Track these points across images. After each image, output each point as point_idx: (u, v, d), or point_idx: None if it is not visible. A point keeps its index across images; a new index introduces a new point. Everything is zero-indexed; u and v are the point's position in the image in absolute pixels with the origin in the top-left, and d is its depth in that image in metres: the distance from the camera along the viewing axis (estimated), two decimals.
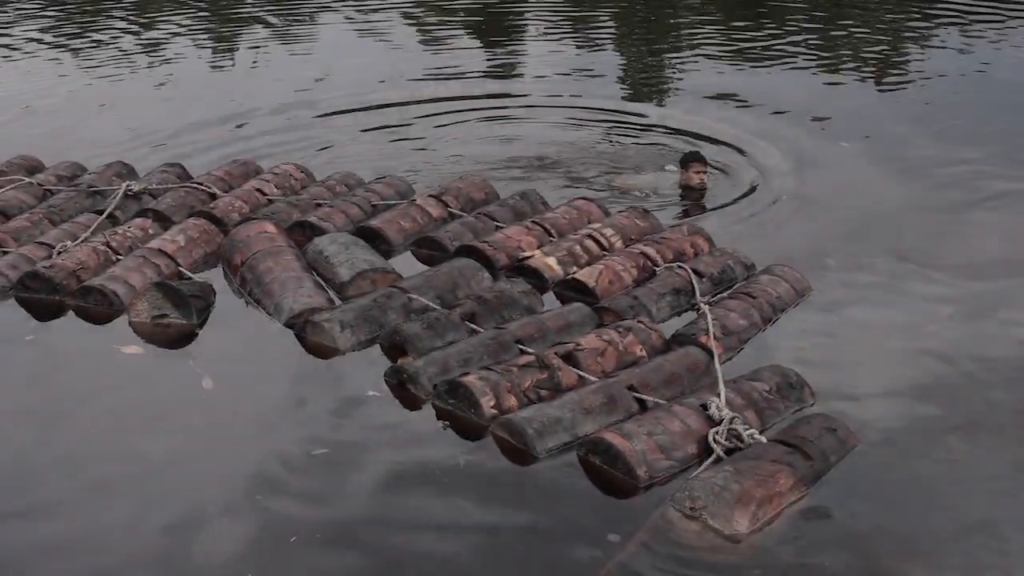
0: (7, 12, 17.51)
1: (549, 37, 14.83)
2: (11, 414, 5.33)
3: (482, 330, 5.66)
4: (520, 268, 6.47)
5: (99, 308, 6.29)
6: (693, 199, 8.08)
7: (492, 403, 4.94)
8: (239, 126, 10.47)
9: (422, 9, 17.05)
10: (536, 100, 11.28)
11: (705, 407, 4.82)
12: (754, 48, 13.32)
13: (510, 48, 14.48)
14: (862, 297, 6.33)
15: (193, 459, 4.90)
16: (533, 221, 6.99)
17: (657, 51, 14.05)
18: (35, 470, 4.86)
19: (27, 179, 8.07)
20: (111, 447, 5.03)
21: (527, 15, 16.27)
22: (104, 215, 7.39)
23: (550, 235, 6.85)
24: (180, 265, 6.70)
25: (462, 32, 15.50)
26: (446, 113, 10.60)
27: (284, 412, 5.28)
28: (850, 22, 14.93)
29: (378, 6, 17.13)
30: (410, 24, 15.93)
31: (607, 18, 16.05)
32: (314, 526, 4.39)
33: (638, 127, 10.16)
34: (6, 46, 14.96)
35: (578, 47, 14.16)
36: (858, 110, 10.42)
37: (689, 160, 8.21)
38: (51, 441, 5.10)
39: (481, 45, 14.59)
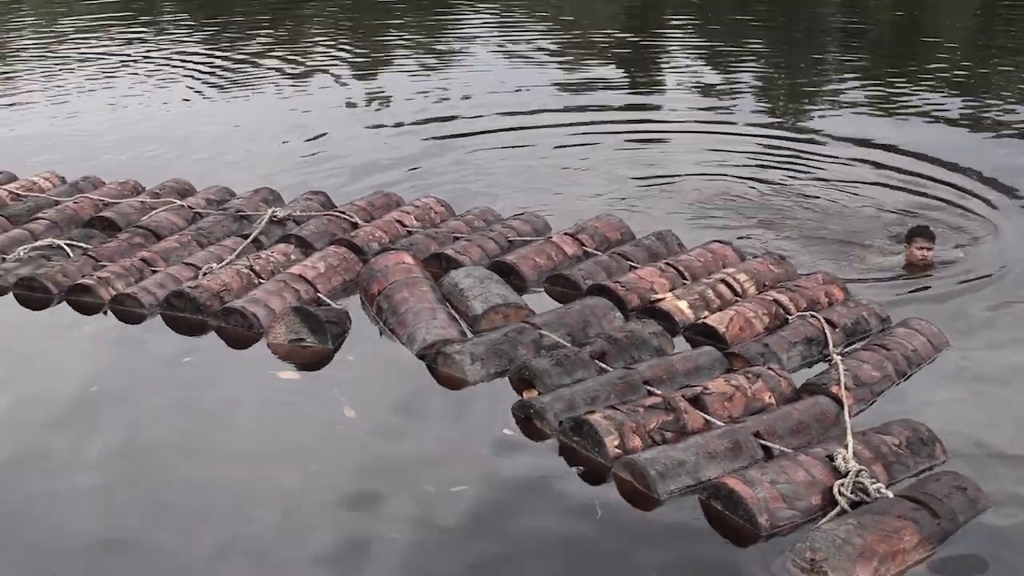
0: (162, 36, 18.15)
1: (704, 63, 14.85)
2: (160, 440, 5.45)
3: (611, 369, 5.68)
4: (651, 310, 6.47)
5: (239, 329, 6.49)
6: (917, 274, 7.40)
7: (616, 442, 4.95)
8: (375, 153, 10.74)
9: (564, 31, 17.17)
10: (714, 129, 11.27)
11: (831, 458, 4.76)
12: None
13: (657, 75, 14.52)
14: (1003, 356, 6.16)
15: (328, 490, 4.95)
16: (667, 263, 6.99)
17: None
18: (172, 490, 5.00)
19: (179, 202, 8.38)
20: (253, 473, 5.12)
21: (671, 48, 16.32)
22: (249, 239, 7.64)
23: (683, 278, 6.84)
24: (319, 291, 6.87)
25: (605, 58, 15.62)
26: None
27: (417, 445, 5.31)
28: None
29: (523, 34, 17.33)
30: (559, 51, 16.10)
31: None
32: (454, 561, 4.44)
33: (841, 176, 9.69)
34: (167, 80, 15.50)
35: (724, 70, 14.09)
36: None
37: (915, 235, 7.51)
38: (193, 461, 5.24)
39: (623, 74, 14.68)
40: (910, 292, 7.13)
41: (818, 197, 9.08)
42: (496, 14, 20.90)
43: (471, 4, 21.98)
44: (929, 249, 7.43)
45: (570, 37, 18.36)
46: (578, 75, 14.92)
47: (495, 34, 18.36)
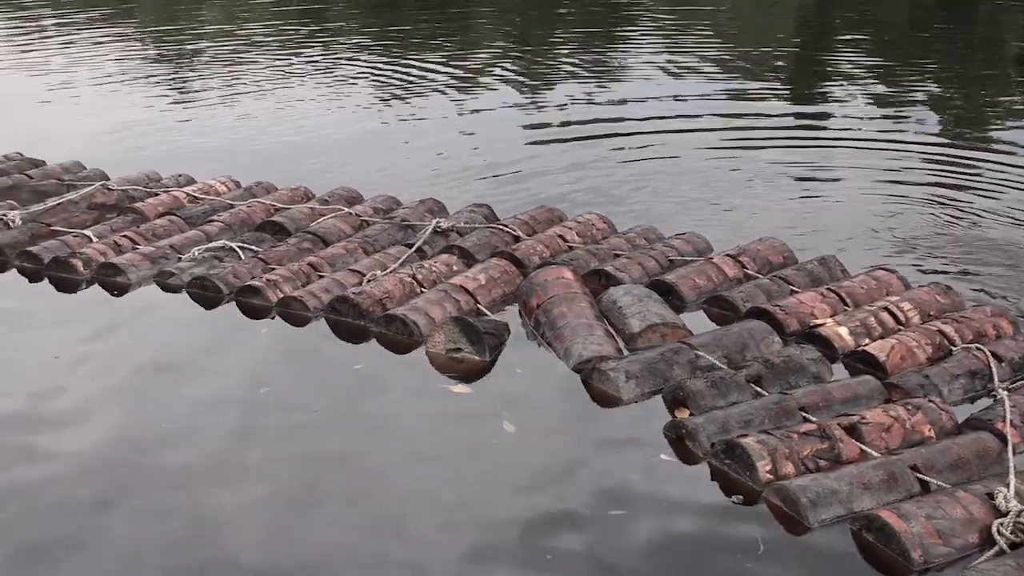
0: (336, 45, 18.60)
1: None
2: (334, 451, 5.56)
3: (766, 394, 5.64)
4: (810, 335, 6.39)
5: (400, 336, 6.62)
6: None
7: (768, 468, 4.91)
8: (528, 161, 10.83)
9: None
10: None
11: (992, 496, 4.63)
12: None
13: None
14: None
15: (485, 506, 4.97)
16: (829, 288, 6.89)
17: None
18: (330, 501, 5.12)
19: (346, 209, 8.62)
20: (406, 484, 5.17)
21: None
22: (413, 248, 7.79)
23: (845, 304, 6.73)
24: (479, 302, 6.97)
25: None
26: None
27: (573, 465, 5.30)
28: None
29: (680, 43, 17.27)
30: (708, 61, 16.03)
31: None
32: None
33: None
34: (338, 88, 15.88)
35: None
36: None
37: None
38: (352, 471, 5.35)
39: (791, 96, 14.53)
40: None
41: (993, 222, 8.82)
42: (661, 27, 20.88)
43: (639, 16, 22.00)
44: None
45: (737, 51, 18.22)
46: (743, 90, 14.82)
47: (661, 46, 18.34)
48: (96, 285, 7.68)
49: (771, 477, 4.90)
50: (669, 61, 17.03)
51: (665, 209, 9.35)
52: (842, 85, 15.06)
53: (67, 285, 7.74)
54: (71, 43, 21.20)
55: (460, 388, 6.06)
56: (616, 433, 5.59)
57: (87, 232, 8.44)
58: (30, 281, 7.88)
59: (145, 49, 20.81)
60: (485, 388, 6.10)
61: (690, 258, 7.55)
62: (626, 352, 6.27)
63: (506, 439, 5.53)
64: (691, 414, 5.48)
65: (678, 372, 5.90)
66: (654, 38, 19.37)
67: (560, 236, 7.98)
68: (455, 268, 7.47)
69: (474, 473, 5.26)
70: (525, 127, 12.80)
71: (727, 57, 17.48)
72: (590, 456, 5.36)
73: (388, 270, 7.38)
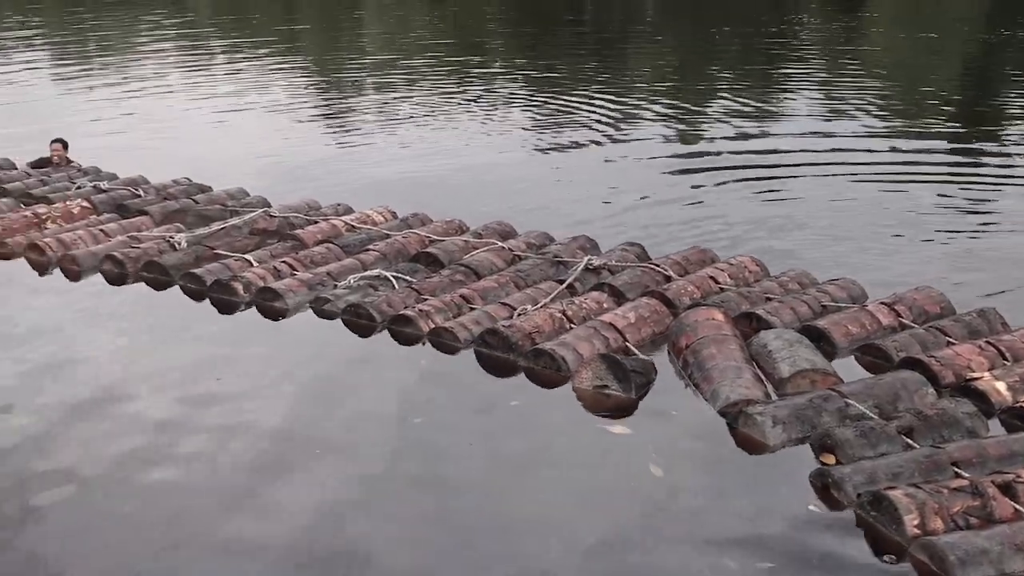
0: (496, 81, 18.84)
1: None
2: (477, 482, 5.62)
3: (918, 446, 5.52)
4: (966, 389, 6.24)
5: (547, 371, 6.67)
6: None
7: (916, 522, 4.81)
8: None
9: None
10: None
11: None
12: None
13: None
14: None
15: (628, 549, 4.95)
16: (987, 341, 6.72)
17: None
18: (475, 531, 5.16)
19: (500, 243, 8.72)
20: (549, 522, 5.17)
21: None
22: (564, 284, 7.85)
23: (1004, 358, 6.56)
24: (627, 340, 6.98)
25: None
26: None
27: (718, 514, 5.23)
28: None
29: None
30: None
31: None
32: None
33: None
34: (497, 124, 16.10)
35: None
36: None
37: None
38: (496, 503, 5.40)
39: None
40: None
41: None
42: (818, 67, 20.67)
43: (795, 56, 21.78)
44: None
45: (893, 93, 17.94)
46: (905, 133, 14.58)
47: (821, 88, 18.14)
48: (254, 308, 7.92)
49: (919, 532, 4.79)
50: (825, 103, 16.89)
51: (819, 252, 9.25)
52: (1004, 129, 14.68)
53: (227, 307, 8.00)
54: (238, 72, 21.94)
55: (620, 429, 6.03)
56: (762, 480, 5.53)
57: (248, 256, 8.73)
58: (193, 301, 8.16)
59: (309, 79, 21.45)
60: (635, 427, 6.06)
61: (844, 304, 7.44)
62: (774, 397, 6.21)
63: (652, 482, 5.48)
64: (838, 462, 5.39)
65: (827, 420, 5.82)
66: (810, 79, 19.17)
67: (712, 278, 7.96)
68: (605, 305, 7.49)
69: (618, 515, 5.22)
70: (679, 168, 12.81)
71: (883, 99, 17.22)
72: (736, 505, 5.29)
73: (539, 305, 7.45)
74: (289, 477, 5.56)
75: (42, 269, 8.94)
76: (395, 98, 18.36)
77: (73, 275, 8.77)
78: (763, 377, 6.43)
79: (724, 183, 11.90)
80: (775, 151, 13.38)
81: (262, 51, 25.84)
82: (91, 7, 39.34)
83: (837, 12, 34.82)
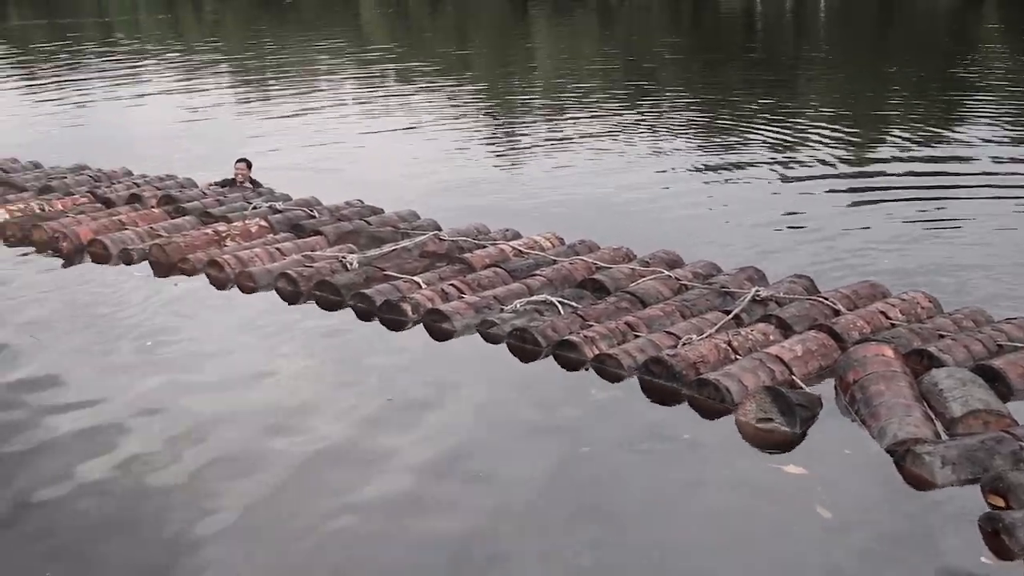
0: (659, 106, 18.81)
1: None
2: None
3: None
4: None
5: (711, 401, 6.63)
6: None
7: None
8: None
9: None
10: None
11: None
12: None
13: None
14: None
15: None
16: None
17: None
18: (627, 554, 5.16)
19: (666, 272, 8.72)
20: (706, 562, 5.12)
21: None
22: (730, 315, 7.80)
23: None
24: (793, 374, 6.90)
25: None
26: None
27: (884, 561, 5.09)
28: None
29: None
30: None
31: None
32: None
33: None
34: (658, 152, 16.06)
35: None
36: None
37: None
38: (651, 531, 5.37)
39: None
40: None
41: None
42: (1003, 99, 20.06)
43: (976, 85, 21.18)
44: None
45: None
46: None
47: (998, 120, 17.60)
48: (422, 328, 8.06)
49: None
50: (1003, 134, 16.35)
51: (995, 289, 8.95)
52: None
53: (396, 326, 8.17)
54: (410, 95, 22.36)
55: (793, 469, 5.92)
56: (929, 524, 5.35)
57: (417, 279, 8.89)
58: (362, 320, 8.36)
59: (477, 101, 21.72)
60: (805, 465, 5.92)
61: (1021, 344, 7.21)
62: (944, 436, 6.05)
63: (818, 523, 5.35)
64: (1008, 506, 5.23)
65: (999, 462, 5.65)
66: (987, 110, 18.60)
67: (882, 313, 7.80)
68: (772, 337, 7.42)
69: (783, 559, 5.12)
70: (851, 201, 12.54)
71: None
72: (904, 554, 5.12)
73: (704, 335, 7.41)
74: (449, 503, 5.64)
75: (220, 285, 9.29)
76: (563, 122, 18.49)
77: (248, 291, 9.09)
78: (933, 416, 6.27)
79: (896, 215, 11.61)
80: (950, 183, 13.02)
81: (434, 76, 26.30)
82: (273, 31, 40.61)
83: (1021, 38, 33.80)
